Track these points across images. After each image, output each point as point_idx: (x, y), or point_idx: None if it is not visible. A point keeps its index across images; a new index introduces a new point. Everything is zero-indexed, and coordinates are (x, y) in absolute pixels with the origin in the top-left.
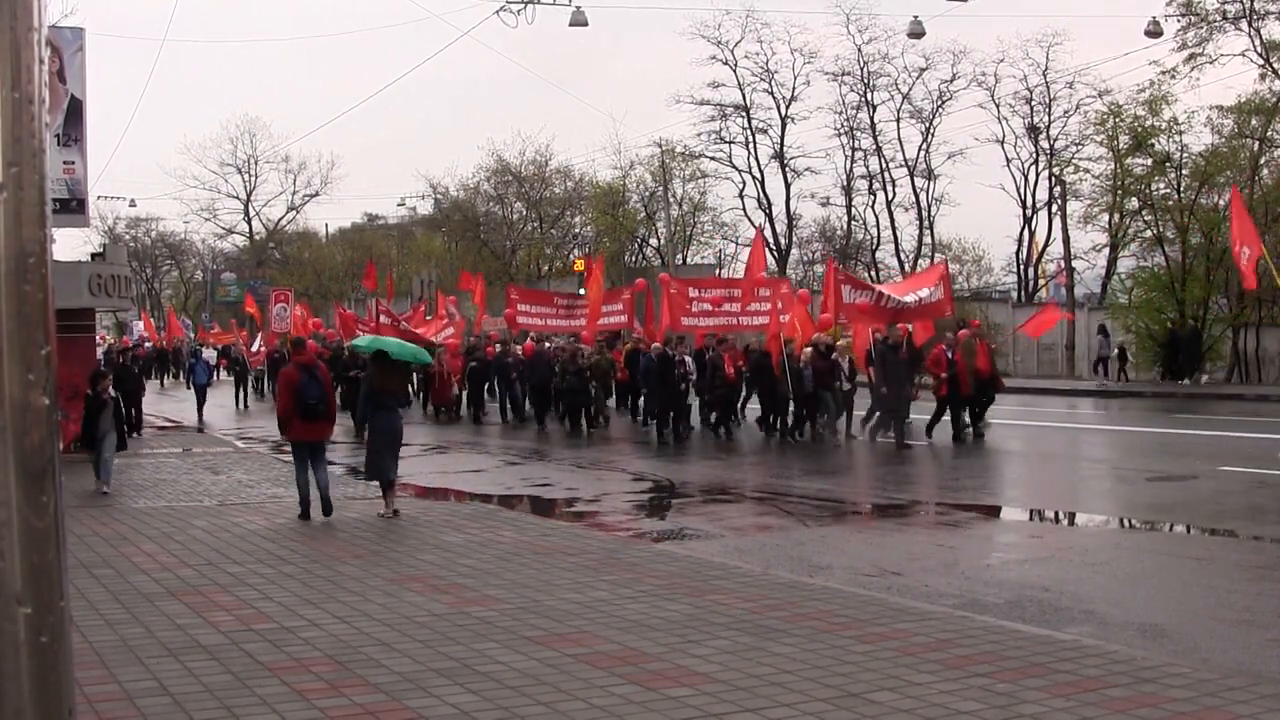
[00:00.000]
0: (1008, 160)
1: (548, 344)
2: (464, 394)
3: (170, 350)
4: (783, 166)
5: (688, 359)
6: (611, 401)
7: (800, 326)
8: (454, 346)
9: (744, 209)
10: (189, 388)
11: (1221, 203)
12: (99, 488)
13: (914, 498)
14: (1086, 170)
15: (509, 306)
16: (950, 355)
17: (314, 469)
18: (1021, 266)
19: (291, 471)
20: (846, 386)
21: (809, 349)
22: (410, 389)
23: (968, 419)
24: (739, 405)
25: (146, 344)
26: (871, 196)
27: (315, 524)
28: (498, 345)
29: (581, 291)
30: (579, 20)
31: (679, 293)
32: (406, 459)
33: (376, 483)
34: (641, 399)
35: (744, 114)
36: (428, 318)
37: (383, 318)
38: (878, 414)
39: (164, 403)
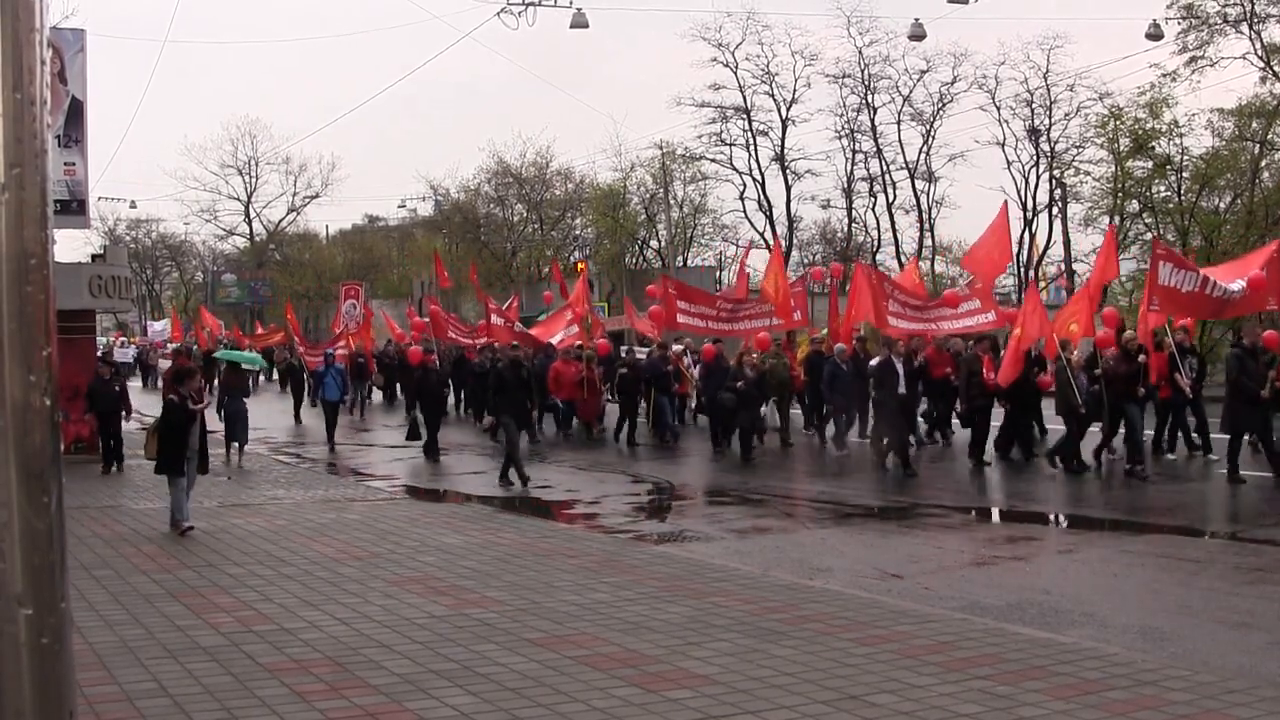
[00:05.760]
0: (1008, 163)
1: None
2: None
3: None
4: (783, 169)
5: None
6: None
7: (1081, 326)
8: (605, 350)
9: (744, 211)
10: (314, 404)
11: (1221, 205)
12: (182, 526)
13: (914, 500)
14: (1087, 173)
15: (666, 303)
16: None
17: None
18: (1021, 269)
19: (292, 473)
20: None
21: (1090, 350)
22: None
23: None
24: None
25: (173, 346)
26: (872, 199)
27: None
28: (640, 349)
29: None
30: (580, 22)
31: (877, 286)
32: (405, 460)
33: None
34: (823, 410)
35: (745, 116)
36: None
37: (495, 318)
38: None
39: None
